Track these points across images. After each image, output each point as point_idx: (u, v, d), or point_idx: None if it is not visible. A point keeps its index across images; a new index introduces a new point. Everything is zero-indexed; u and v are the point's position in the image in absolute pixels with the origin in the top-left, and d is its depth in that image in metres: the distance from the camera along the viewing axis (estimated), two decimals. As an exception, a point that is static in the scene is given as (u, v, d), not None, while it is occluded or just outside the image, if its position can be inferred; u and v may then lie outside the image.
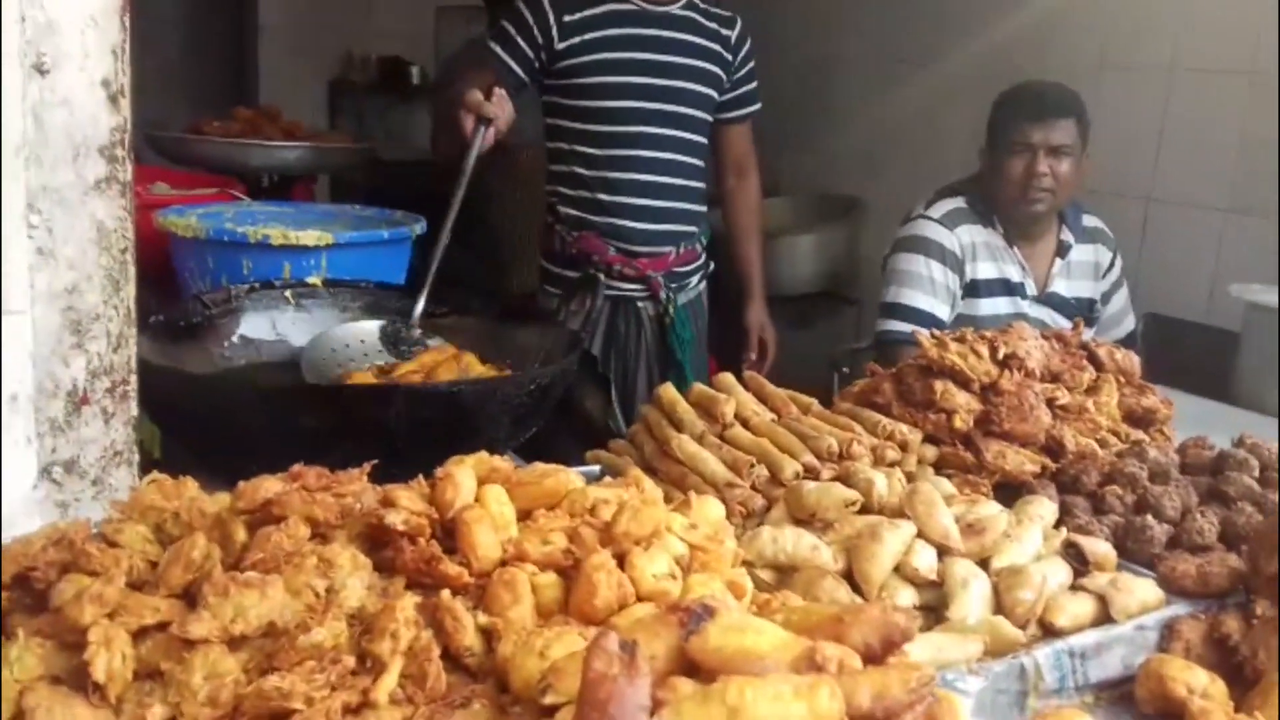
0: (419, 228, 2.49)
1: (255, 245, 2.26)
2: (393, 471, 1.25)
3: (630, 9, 2.67)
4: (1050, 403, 1.74)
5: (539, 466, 1.24)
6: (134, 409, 1.32)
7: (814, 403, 1.74)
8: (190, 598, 1.02)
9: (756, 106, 2.96)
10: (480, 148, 2.16)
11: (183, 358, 1.89)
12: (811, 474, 1.53)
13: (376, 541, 1.13)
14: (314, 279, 2.17)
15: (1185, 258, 3.32)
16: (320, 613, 0.99)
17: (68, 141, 1.21)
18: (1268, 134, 3.10)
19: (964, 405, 1.66)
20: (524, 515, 1.20)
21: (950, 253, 2.69)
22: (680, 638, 0.90)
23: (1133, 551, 1.46)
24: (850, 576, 1.34)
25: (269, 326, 2.06)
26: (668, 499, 1.40)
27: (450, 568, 1.07)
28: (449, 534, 1.14)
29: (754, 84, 2.92)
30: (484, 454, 1.24)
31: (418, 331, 2.00)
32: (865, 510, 1.45)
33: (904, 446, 1.63)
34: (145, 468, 1.40)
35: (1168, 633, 1.30)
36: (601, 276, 2.68)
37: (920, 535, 1.37)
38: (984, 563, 1.37)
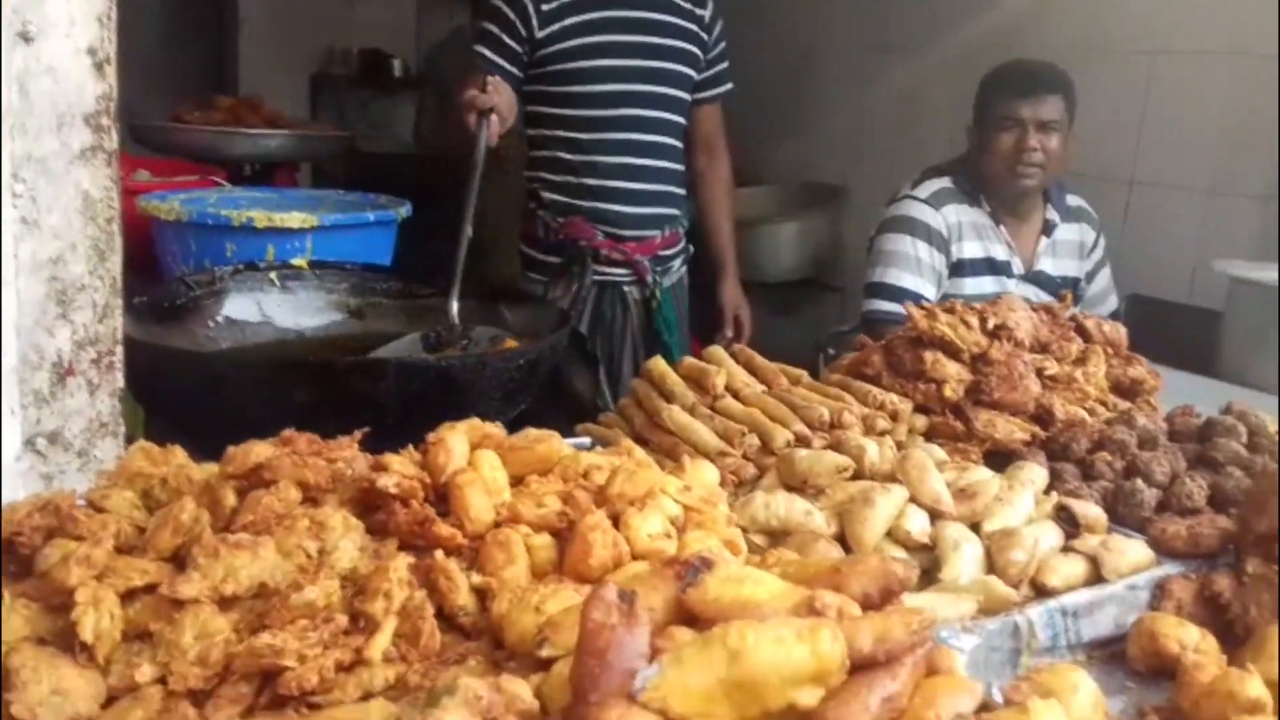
0: (404, 211, 2.48)
1: (239, 228, 2.24)
2: (383, 446, 1.24)
3: None
4: (1039, 373, 1.74)
5: (531, 432, 1.24)
6: (120, 380, 1.30)
7: (804, 375, 1.74)
8: (179, 562, 1.01)
9: (728, 86, 2.96)
10: (487, 138, 2.16)
11: (167, 339, 1.87)
12: (803, 443, 1.53)
13: (368, 506, 1.12)
14: (299, 261, 2.15)
15: (1167, 239, 3.33)
16: (312, 573, 0.98)
17: (52, 110, 1.20)
18: (1248, 116, 3.12)
19: (954, 375, 1.66)
20: (516, 481, 1.20)
21: (936, 232, 2.69)
22: (678, 590, 0.89)
23: (1123, 515, 1.46)
24: (843, 541, 1.33)
25: (254, 308, 2.04)
26: (661, 469, 1.40)
27: (443, 529, 1.06)
28: (441, 499, 1.13)
29: (725, 64, 2.92)
30: (476, 421, 1.23)
31: (458, 329, 1.97)
32: (857, 477, 1.44)
33: (894, 416, 1.63)
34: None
35: (1159, 592, 1.30)
36: (590, 261, 2.68)
37: (912, 500, 1.37)
38: (976, 527, 1.37)
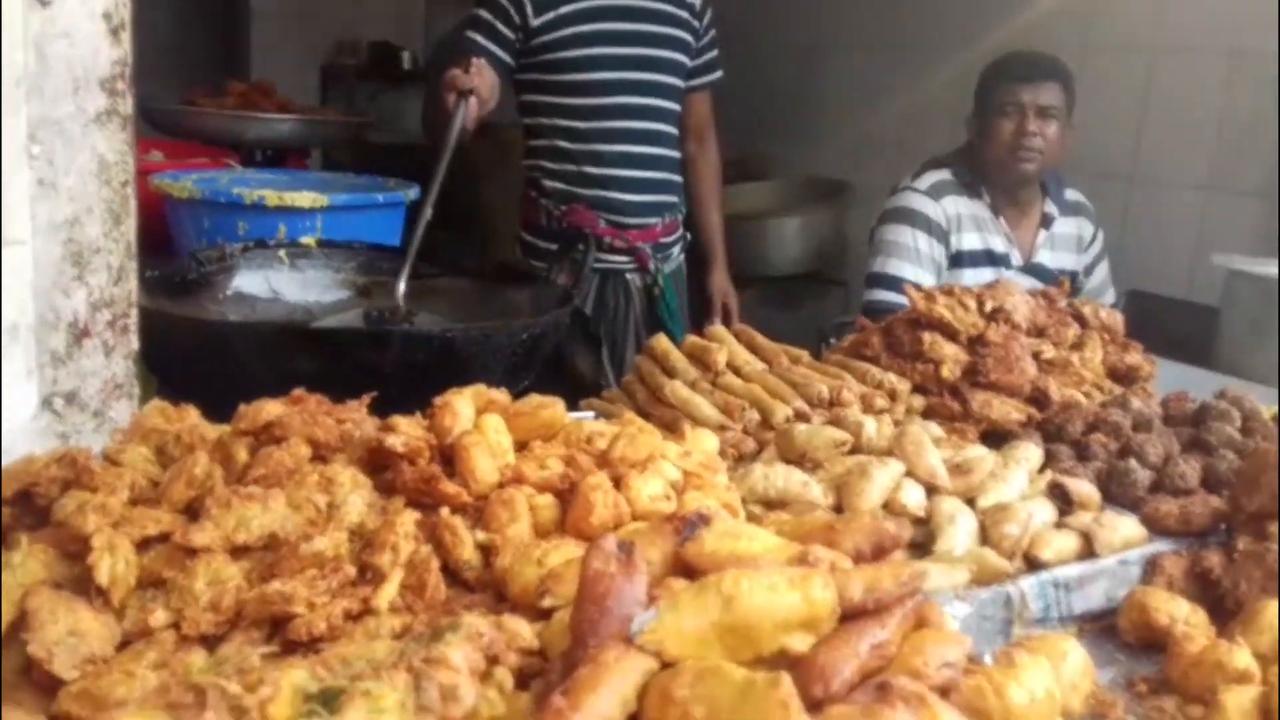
0: (412, 193, 2.51)
1: (251, 207, 2.28)
2: (387, 415, 1.26)
3: None
4: (1036, 356, 1.76)
5: (535, 399, 1.26)
6: (134, 342, 1.33)
7: (804, 354, 1.76)
8: (192, 514, 1.04)
9: (719, 74, 2.98)
10: (464, 119, 2.17)
11: (179, 311, 1.89)
12: (802, 419, 1.55)
13: (377, 465, 1.14)
14: (308, 239, 2.18)
15: (1166, 235, 3.35)
16: (321, 525, 1.01)
17: (69, 74, 1.22)
18: (1247, 113, 3.14)
19: (951, 356, 1.68)
20: (520, 446, 1.22)
21: (936, 224, 2.72)
22: (676, 544, 0.92)
23: (1116, 495, 1.48)
24: (840, 513, 1.36)
25: (264, 284, 2.07)
26: (669, 434, 1.43)
27: (449, 486, 1.08)
28: (447, 461, 1.16)
29: (716, 52, 2.95)
30: (481, 386, 1.26)
31: (402, 310, 1.94)
32: (855, 452, 1.47)
33: (893, 395, 1.66)
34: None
35: (1150, 567, 1.32)
36: (593, 249, 2.70)
37: (909, 474, 1.39)
38: (971, 503, 1.40)
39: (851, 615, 0.80)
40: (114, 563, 0.93)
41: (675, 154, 2.88)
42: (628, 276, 2.82)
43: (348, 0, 6.16)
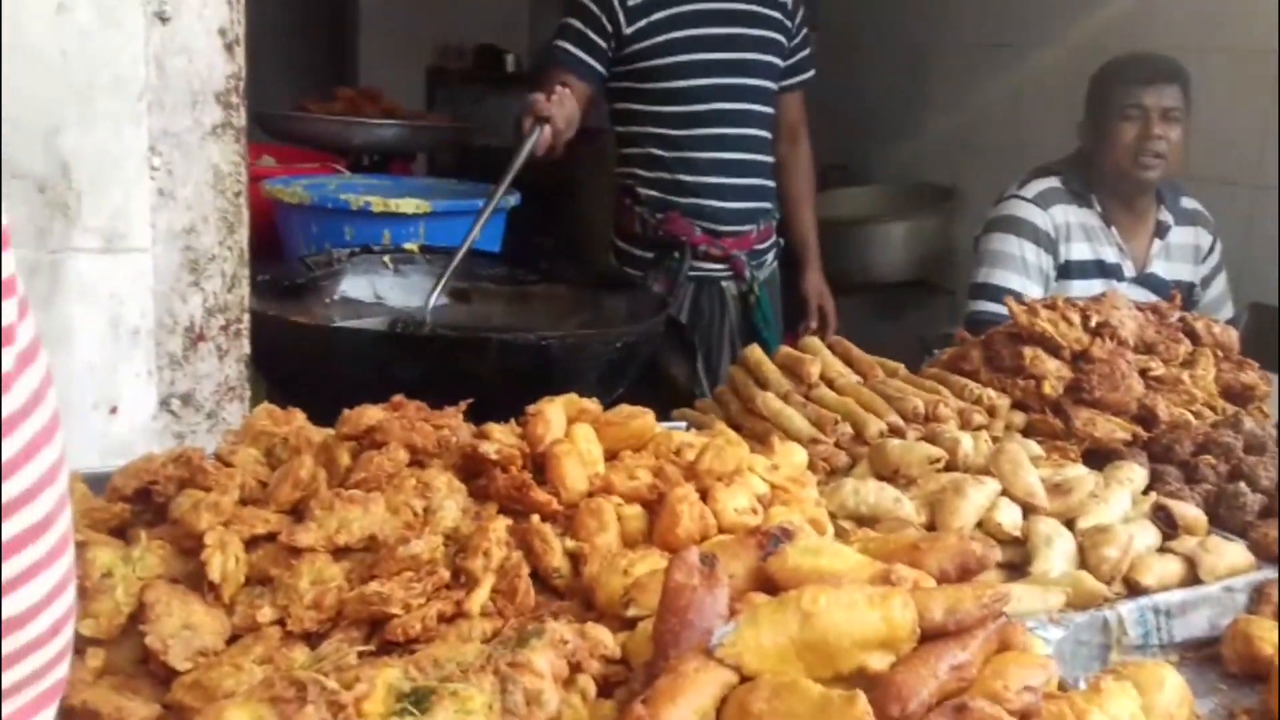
0: (513, 200, 2.55)
1: (357, 212, 2.34)
2: (483, 420, 1.29)
3: None
4: (1144, 374, 1.71)
5: (626, 408, 1.28)
6: (246, 346, 1.39)
7: (900, 367, 1.74)
8: (298, 514, 1.08)
9: (810, 74, 2.95)
10: (535, 145, 2.20)
11: (288, 315, 1.96)
12: (897, 433, 1.54)
13: (471, 471, 1.17)
14: (412, 245, 2.24)
15: (1292, 246, 3.21)
16: (418, 529, 1.04)
17: (187, 88, 1.28)
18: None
19: (1053, 372, 1.65)
20: (611, 455, 1.24)
21: (1043, 233, 2.65)
22: (759, 558, 0.93)
23: (1225, 519, 1.44)
24: (931, 532, 1.34)
25: (369, 289, 2.13)
26: (754, 452, 1.43)
27: (540, 494, 1.11)
28: (539, 468, 1.18)
29: (808, 50, 2.91)
30: (573, 395, 1.28)
31: (427, 325, 1.96)
32: (950, 469, 1.45)
33: (991, 411, 1.63)
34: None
35: (1256, 595, 1.28)
36: (689, 257, 2.71)
37: (1005, 493, 1.37)
38: (1070, 524, 1.37)
39: (932, 636, 0.80)
40: (225, 560, 0.98)
41: (769, 159, 2.87)
42: (723, 284, 2.82)
43: (453, 5, 6.28)
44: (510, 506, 1.12)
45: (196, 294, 1.33)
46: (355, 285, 2.13)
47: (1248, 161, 3.35)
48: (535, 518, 1.09)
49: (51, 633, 0.54)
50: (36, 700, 0.53)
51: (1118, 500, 1.40)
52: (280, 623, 0.97)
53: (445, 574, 1.00)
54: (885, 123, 5.00)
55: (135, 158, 1.27)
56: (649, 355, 1.93)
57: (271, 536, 1.03)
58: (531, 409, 1.23)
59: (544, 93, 2.28)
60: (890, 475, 1.44)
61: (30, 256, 1.24)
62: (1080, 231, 2.68)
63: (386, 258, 2.21)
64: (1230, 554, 1.32)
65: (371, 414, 1.16)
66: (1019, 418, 1.66)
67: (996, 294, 2.65)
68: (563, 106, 2.26)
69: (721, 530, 1.09)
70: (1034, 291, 2.64)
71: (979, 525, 1.34)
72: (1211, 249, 2.81)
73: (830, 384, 1.65)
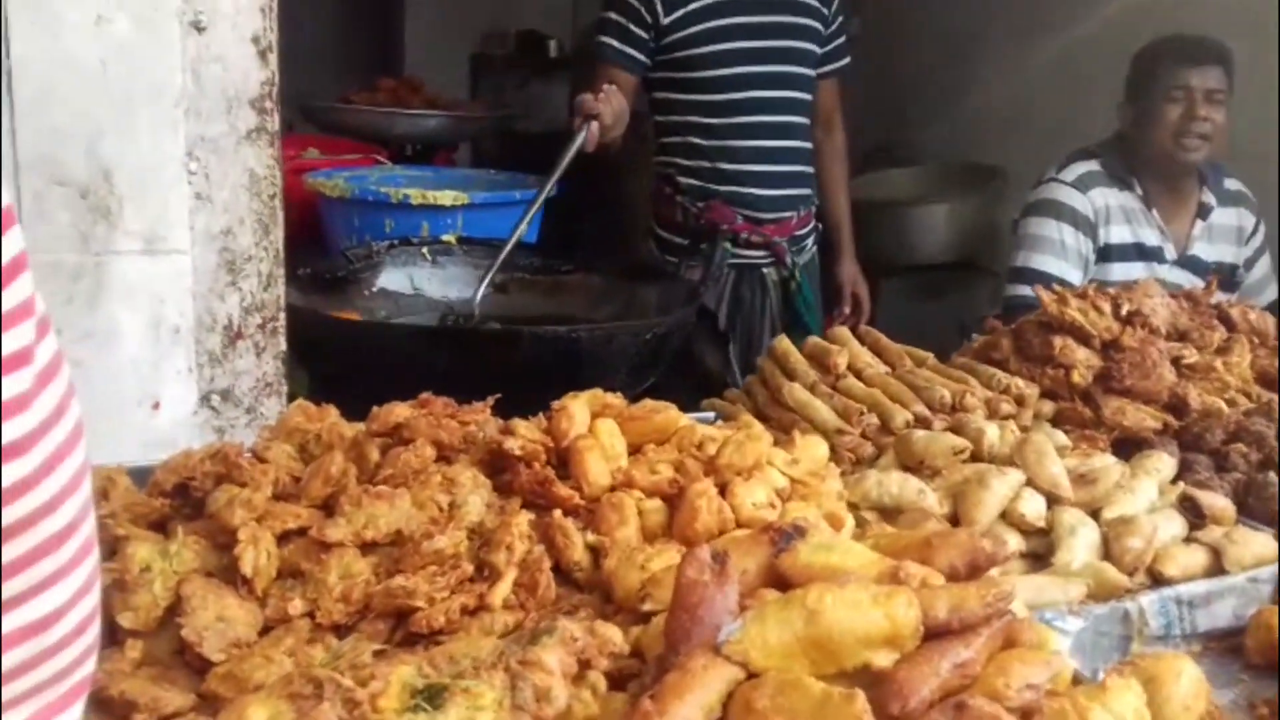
0: (552, 190, 2.57)
1: (397, 205, 2.39)
2: (515, 411, 1.32)
3: None
4: (1176, 361, 1.70)
5: (649, 403, 1.30)
6: (283, 344, 1.43)
7: (929, 357, 1.75)
8: (328, 509, 1.12)
9: (846, 61, 2.94)
10: (583, 144, 2.23)
11: (328, 307, 2.01)
12: (923, 424, 1.55)
13: (496, 467, 1.21)
14: (449, 237, 2.28)
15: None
16: (443, 524, 1.08)
17: (222, 94, 1.32)
18: None
19: (1083, 360, 1.64)
20: (634, 449, 1.26)
21: (1083, 216, 2.63)
22: (771, 555, 0.95)
23: (1254, 509, 1.43)
24: (956, 522, 1.35)
25: (407, 280, 2.18)
26: (777, 444, 1.45)
27: (562, 489, 1.14)
28: (563, 463, 1.21)
29: (844, 38, 2.90)
30: (598, 391, 1.31)
31: (475, 317, 2.00)
32: (976, 459, 1.46)
33: (1020, 401, 1.63)
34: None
35: (1283, 586, 1.28)
36: (728, 245, 2.72)
37: (1030, 484, 1.37)
38: (1096, 514, 1.37)
39: (936, 633, 0.81)
40: (257, 555, 1.02)
41: (808, 145, 2.87)
42: (763, 270, 2.82)
43: (498, -11, 6.31)
44: (534, 501, 1.15)
45: (234, 293, 1.38)
46: (393, 277, 2.17)
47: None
48: (557, 512, 1.11)
49: (75, 633, 0.57)
50: (62, 698, 0.57)
51: (1144, 490, 1.40)
52: (310, 615, 1.01)
53: (469, 568, 1.03)
54: (929, 103, 4.95)
55: (173, 163, 1.32)
56: (681, 344, 1.95)
57: (303, 531, 1.07)
58: (556, 405, 1.25)
59: (592, 91, 2.31)
60: (915, 466, 1.45)
61: (75, 260, 1.29)
62: (1120, 214, 2.65)
63: (425, 249, 2.25)
64: (1257, 544, 1.32)
65: (400, 411, 1.20)
66: (1048, 407, 1.66)
67: (1035, 278, 2.63)
68: (610, 103, 2.28)
69: (739, 524, 1.12)
70: (1073, 275, 2.62)
71: (1003, 516, 1.35)
72: (1255, 230, 2.76)
73: (858, 374, 1.66)
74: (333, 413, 1.28)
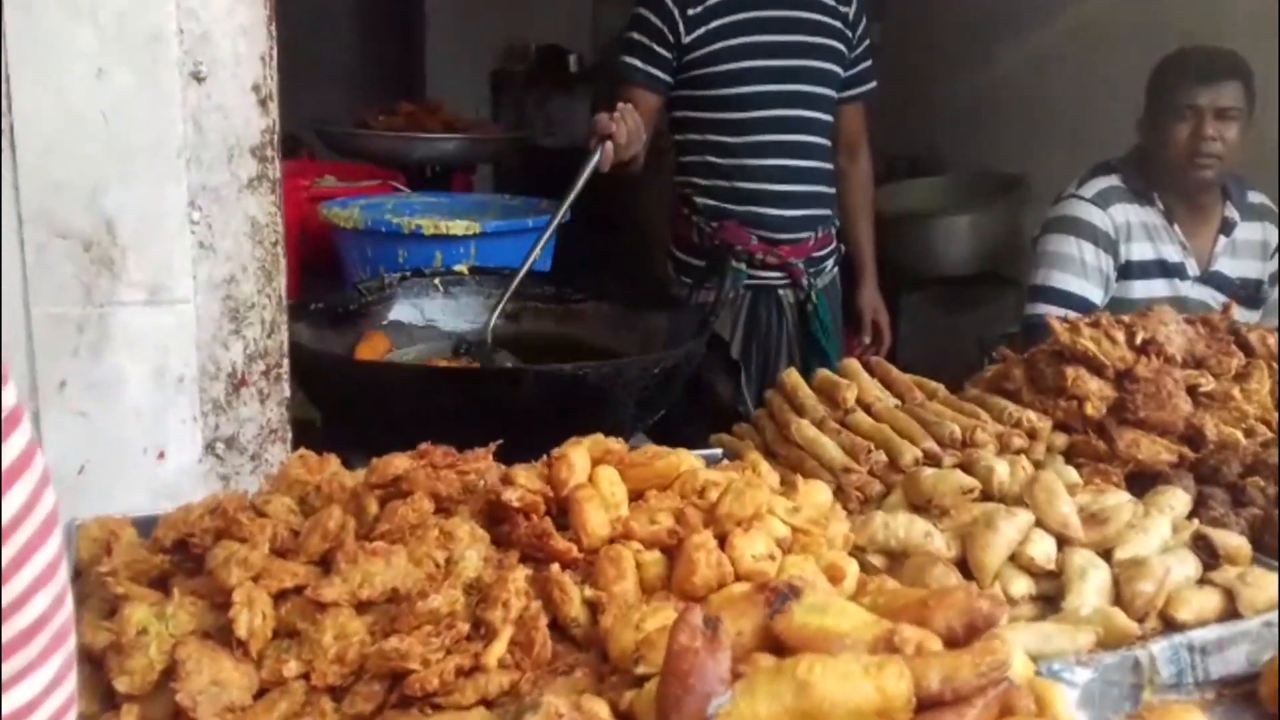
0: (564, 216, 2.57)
1: (409, 235, 2.39)
2: (523, 448, 1.32)
3: None
4: (1193, 390, 1.68)
5: (650, 448, 1.29)
6: (286, 390, 1.43)
7: (940, 389, 1.73)
8: (326, 564, 1.12)
9: (872, 85, 2.91)
10: (598, 164, 2.22)
11: (341, 342, 2.02)
12: (933, 460, 1.53)
13: (496, 517, 1.20)
14: (461, 267, 2.28)
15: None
16: (439, 581, 1.07)
17: (223, 143, 1.33)
18: None
19: (1096, 392, 1.62)
20: (637, 495, 1.26)
21: (1103, 233, 2.60)
22: (766, 616, 0.94)
23: (1270, 546, 1.40)
24: (964, 565, 1.34)
25: (418, 313, 2.18)
26: (785, 483, 1.44)
27: (559, 543, 1.13)
28: (563, 511, 1.20)
29: (869, 62, 2.88)
30: (599, 436, 1.30)
31: (487, 346, 2.03)
32: (986, 498, 1.44)
33: (1032, 434, 1.61)
34: (307, 439, 1.53)
35: (1299, 631, 1.25)
36: (744, 266, 2.71)
37: (1039, 524, 1.35)
38: (1108, 554, 1.35)
39: (929, 705, 0.80)
40: (252, 616, 1.02)
41: (828, 166, 2.85)
42: (780, 292, 2.80)
43: (516, 6, 6.32)
44: (532, 554, 1.14)
45: (238, 341, 1.38)
46: (406, 309, 2.17)
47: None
48: (555, 566, 1.11)
49: None
50: None
51: (1157, 529, 1.37)
52: (305, 676, 1.00)
53: (464, 627, 1.03)
54: (950, 111, 4.92)
55: (176, 213, 1.32)
56: (691, 375, 1.94)
57: (299, 589, 1.07)
58: (556, 452, 1.25)
59: (607, 109, 2.31)
60: (923, 505, 1.43)
61: (79, 312, 1.30)
62: (1141, 230, 2.62)
63: (437, 280, 2.25)
64: (1272, 585, 1.29)
65: (398, 463, 1.19)
66: (1061, 439, 1.64)
67: (1055, 297, 2.61)
68: (625, 123, 2.27)
69: (739, 577, 1.10)
70: (1094, 294, 2.59)
71: (1012, 559, 1.33)
72: (1280, 245, 2.72)
73: (867, 408, 1.64)
74: (334, 462, 1.28)
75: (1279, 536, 1.40)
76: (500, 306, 2.06)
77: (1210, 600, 1.28)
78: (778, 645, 0.91)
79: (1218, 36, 2.97)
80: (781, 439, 1.63)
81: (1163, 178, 2.60)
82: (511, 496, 1.16)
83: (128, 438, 1.35)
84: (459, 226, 2.37)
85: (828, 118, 2.80)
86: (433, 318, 2.18)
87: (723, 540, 1.14)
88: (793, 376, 1.71)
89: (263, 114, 1.34)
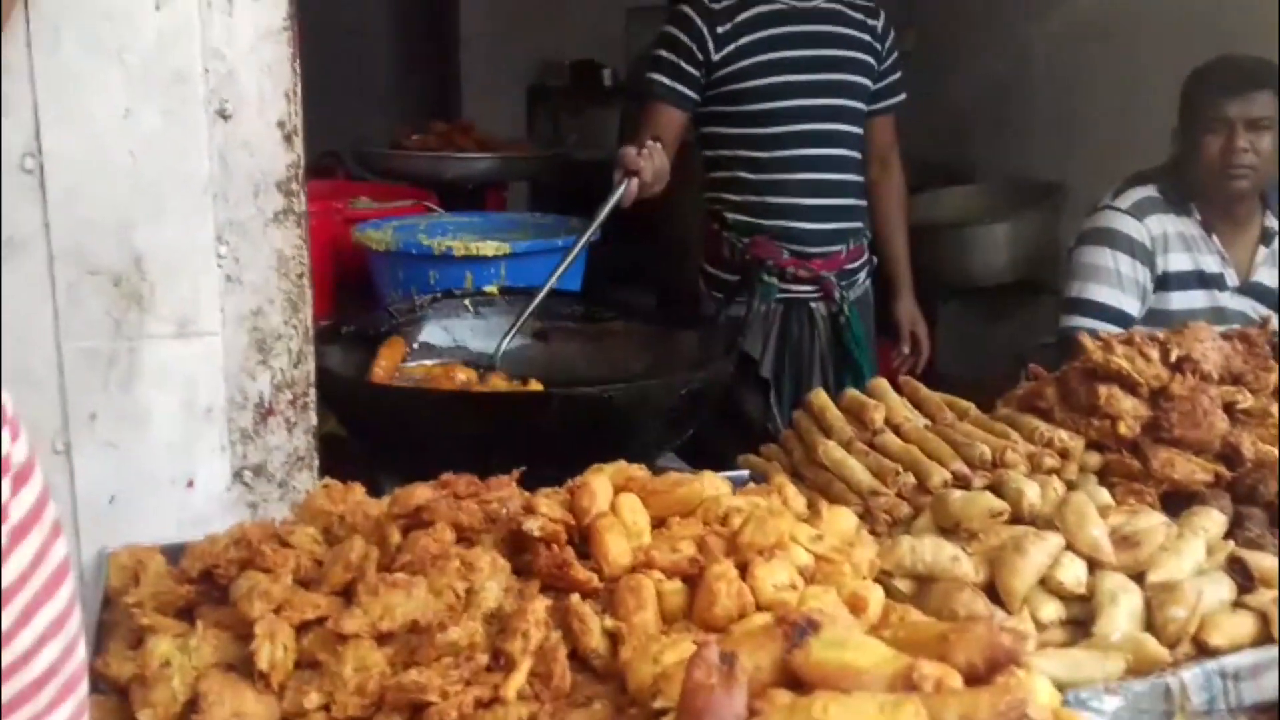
0: (594, 236, 2.58)
1: (440, 257, 2.41)
2: (551, 471, 1.33)
3: (778, 7, 2.67)
4: (1230, 407, 1.65)
5: (673, 475, 1.29)
6: (313, 419, 1.45)
7: (971, 408, 1.71)
8: (349, 594, 1.13)
9: (902, 97, 2.90)
10: (620, 198, 2.23)
11: (370, 366, 2.03)
12: (963, 482, 1.52)
13: (518, 545, 1.20)
14: (491, 288, 2.29)
15: None
16: (459, 612, 1.08)
17: (248, 179, 1.35)
18: None
19: (1130, 411, 1.60)
20: (660, 522, 1.26)
21: (1139, 244, 2.56)
22: (784, 651, 0.93)
23: (1309, 568, 1.37)
24: (993, 589, 1.32)
25: (447, 335, 2.19)
26: (811, 506, 1.43)
27: (580, 573, 1.13)
28: (586, 539, 1.21)
29: (899, 74, 2.87)
30: (622, 463, 1.30)
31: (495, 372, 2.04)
32: (1017, 520, 1.42)
33: (1064, 454, 1.59)
34: (340, 456, 1.55)
35: (1338, 657, 1.22)
36: (775, 280, 2.70)
37: (1070, 547, 1.33)
38: (1141, 577, 1.33)
39: (947, 745, 0.79)
40: (273, 649, 1.03)
41: (859, 179, 2.84)
42: (812, 305, 2.79)
43: (551, 23, 6.35)
44: (553, 584, 1.14)
45: (265, 372, 1.40)
46: (434, 331, 2.19)
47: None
48: (575, 597, 1.11)
49: None
50: None
51: (1191, 552, 1.35)
52: (327, 708, 1.01)
53: (483, 659, 1.03)
54: (985, 118, 4.87)
55: (203, 248, 1.34)
56: (719, 395, 1.94)
57: (321, 620, 1.08)
58: (578, 480, 1.25)
59: (635, 144, 2.31)
60: (952, 528, 1.41)
61: (109, 346, 1.33)
62: (1179, 241, 2.58)
63: (467, 301, 2.26)
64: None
65: (420, 493, 1.20)
66: (1095, 459, 1.62)
67: (1091, 309, 2.58)
68: (652, 161, 2.29)
69: (760, 607, 1.10)
70: (1130, 305, 2.56)
71: (1042, 583, 1.31)
72: (1323, 255, 2.67)
73: (896, 429, 1.63)
74: (358, 492, 1.29)
75: (1318, 558, 1.37)
76: (507, 337, 2.06)
77: (1244, 625, 1.25)
78: (796, 680, 0.91)
79: (1262, 38, 2.92)
80: (808, 461, 1.62)
81: (1198, 188, 2.56)
82: (533, 526, 1.16)
83: (157, 468, 1.37)
84: (489, 247, 2.39)
85: (858, 130, 2.79)
86: (462, 340, 2.19)
87: (745, 569, 1.14)
88: (820, 397, 1.70)
89: (288, 149, 1.36)
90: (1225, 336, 1.74)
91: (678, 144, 2.73)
